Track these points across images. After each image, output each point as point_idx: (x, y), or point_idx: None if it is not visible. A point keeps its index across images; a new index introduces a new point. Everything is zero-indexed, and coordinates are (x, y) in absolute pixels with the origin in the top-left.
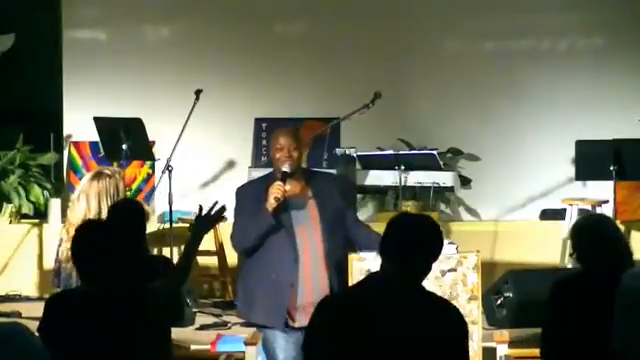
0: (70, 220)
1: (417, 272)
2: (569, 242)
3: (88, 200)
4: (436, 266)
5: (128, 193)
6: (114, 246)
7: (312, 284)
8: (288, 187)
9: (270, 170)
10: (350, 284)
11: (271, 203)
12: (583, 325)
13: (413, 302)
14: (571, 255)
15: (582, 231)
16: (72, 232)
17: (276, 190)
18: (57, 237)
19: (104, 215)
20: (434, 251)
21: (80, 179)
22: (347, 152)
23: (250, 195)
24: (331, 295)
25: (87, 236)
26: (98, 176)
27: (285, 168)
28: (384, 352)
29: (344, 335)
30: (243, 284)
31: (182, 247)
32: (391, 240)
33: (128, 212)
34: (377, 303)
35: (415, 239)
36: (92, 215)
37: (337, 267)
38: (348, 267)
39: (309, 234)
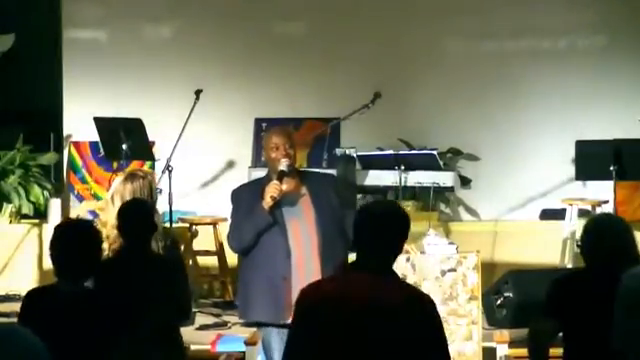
0: (103, 221)
1: (392, 258)
2: (569, 242)
3: (123, 201)
4: (436, 266)
5: (159, 195)
6: (94, 245)
7: (306, 277)
8: (285, 186)
9: (266, 171)
10: None
11: (267, 202)
12: (579, 323)
13: (389, 289)
14: (578, 247)
15: (589, 230)
16: (105, 233)
17: (273, 189)
18: None
19: None
20: (405, 234)
21: (80, 179)
22: (347, 152)
23: (246, 197)
24: (311, 285)
25: (67, 234)
26: (132, 177)
27: (282, 167)
28: (363, 340)
29: (323, 324)
30: (241, 283)
31: (182, 247)
32: (364, 230)
33: (138, 212)
34: (355, 293)
35: (387, 226)
36: None
37: (333, 263)
38: None
39: (301, 228)
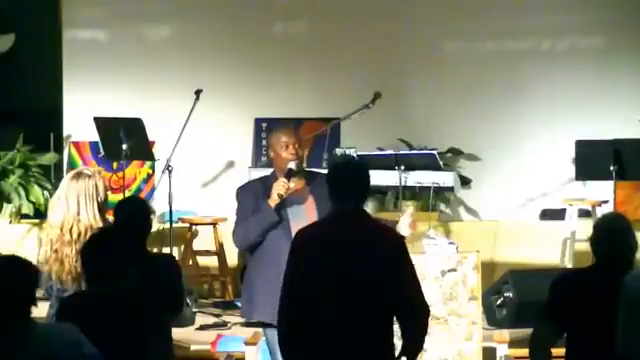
0: (50, 221)
1: (362, 204)
2: (569, 242)
3: (68, 201)
4: (436, 266)
5: (108, 193)
6: (124, 250)
7: None
8: (292, 184)
9: (271, 170)
10: None
11: (274, 199)
12: (581, 322)
13: (368, 227)
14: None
15: (595, 229)
16: (52, 234)
17: (280, 186)
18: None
19: (83, 215)
20: (369, 183)
21: None
22: (347, 152)
23: (251, 194)
24: (305, 229)
25: (101, 243)
26: (77, 176)
27: (291, 165)
28: (346, 268)
29: (314, 261)
30: (245, 284)
31: (182, 247)
32: (342, 184)
33: (134, 211)
34: (343, 231)
35: (360, 180)
36: (71, 215)
37: None
38: None
39: None
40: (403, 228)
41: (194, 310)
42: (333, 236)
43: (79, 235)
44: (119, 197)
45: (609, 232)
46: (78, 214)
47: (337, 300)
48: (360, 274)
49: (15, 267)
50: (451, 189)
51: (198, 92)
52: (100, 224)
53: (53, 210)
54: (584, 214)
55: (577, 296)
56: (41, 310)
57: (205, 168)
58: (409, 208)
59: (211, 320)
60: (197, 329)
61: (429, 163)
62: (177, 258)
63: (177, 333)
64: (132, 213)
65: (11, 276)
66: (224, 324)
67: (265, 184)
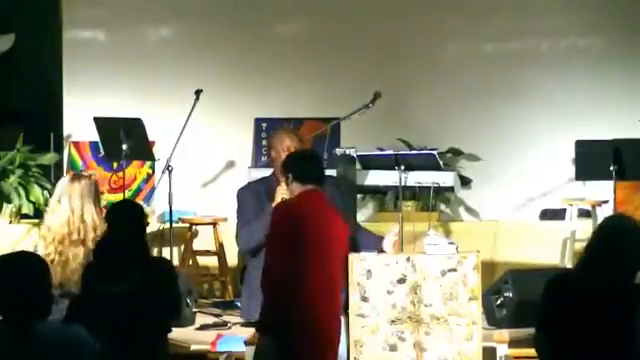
0: (49, 224)
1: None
2: (569, 242)
3: (71, 201)
4: (436, 266)
5: (102, 196)
6: (127, 251)
7: None
8: None
9: (270, 170)
10: (351, 283)
11: (278, 203)
12: (573, 326)
13: (329, 208)
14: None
15: (602, 228)
16: (55, 235)
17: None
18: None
19: (87, 216)
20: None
21: None
22: (347, 152)
23: (252, 194)
24: (283, 204)
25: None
26: (77, 178)
27: None
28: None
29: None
30: (246, 284)
31: (182, 247)
32: (310, 170)
33: (129, 214)
34: (316, 207)
35: (320, 164)
36: (76, 216)
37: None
38: (349, 266)
39: None
40: (387, 246)
41: (194, 310)
42: (309, 211)
43: (86, 234)
44: (119, 197)
45: (615, 231)
46: (82, 215)
47: (313, 265)
48: (331, 243)
49: (30, 263)
50: (451, 189)
51: (198, 92)
52: (103, 224)
53: (54, 213)
54: (584, 214)
55: (570, 297)
56: None
57: (205, 168)
58: (395, 227)
59: (211, 320)
60: (197, 329)
61: (429, 163)
62: (177, 258)
63: (177, 333)
64: (127, 216)
65: (28, 273)
66: (224, 324)
67: (265, 184)
